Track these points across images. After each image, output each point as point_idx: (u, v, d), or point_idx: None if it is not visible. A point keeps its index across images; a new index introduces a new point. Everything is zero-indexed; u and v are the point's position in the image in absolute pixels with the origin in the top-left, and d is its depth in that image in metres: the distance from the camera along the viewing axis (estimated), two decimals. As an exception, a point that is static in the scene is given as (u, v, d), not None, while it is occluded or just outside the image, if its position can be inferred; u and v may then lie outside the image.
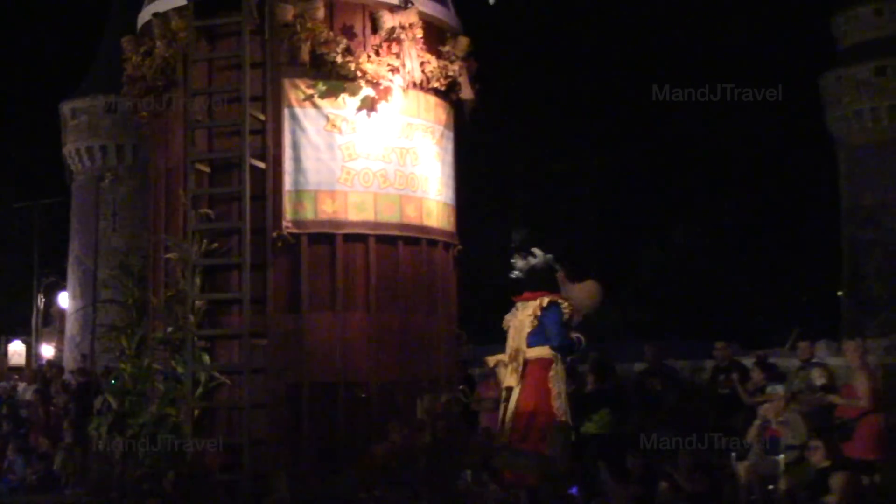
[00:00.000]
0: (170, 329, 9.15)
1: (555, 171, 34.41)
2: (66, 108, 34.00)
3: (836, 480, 7.10)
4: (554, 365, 9.13)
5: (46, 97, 34.76)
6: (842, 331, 26.79)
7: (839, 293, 34.27)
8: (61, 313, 36.11)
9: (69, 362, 28.37)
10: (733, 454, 8.97)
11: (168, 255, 9.31)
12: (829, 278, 34.92)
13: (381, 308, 9.40)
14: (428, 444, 7.40)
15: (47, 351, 35.39)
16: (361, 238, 9.36)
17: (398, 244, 9.56)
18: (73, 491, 12.00)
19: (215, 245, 9.17)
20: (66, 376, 16.24)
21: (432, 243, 9.95)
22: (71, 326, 33.86)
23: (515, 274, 9.93)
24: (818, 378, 9.08)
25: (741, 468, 8.66)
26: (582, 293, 9.38)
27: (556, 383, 9.12)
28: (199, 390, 9.02)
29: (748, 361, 10.76)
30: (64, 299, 35.00)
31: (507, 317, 9.69)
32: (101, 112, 33.19)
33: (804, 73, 33.06)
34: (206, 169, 9.28)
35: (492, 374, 9.56)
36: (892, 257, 31.51)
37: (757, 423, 9.02)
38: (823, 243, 34.55)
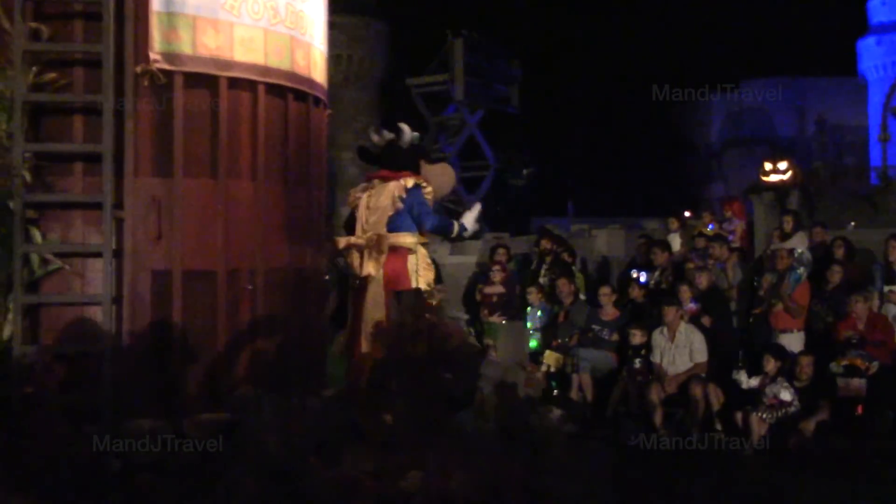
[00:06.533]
0: (-21, 192, 6.40)
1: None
2: None
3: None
4: (414, 255, 7.91)
5: None
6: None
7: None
8: None
9: None
10: None
11: (-20, 85, 6.43)
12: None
13: (269, 177, 7.38)
14: (422, 352, 5.80)
15: None
16: (250, 86, 7.21)
17: (288, 98, 7.54)
18: None
19: (51, 76, 6.53)
20: None
21: (317, 101, 8.06)
22: None
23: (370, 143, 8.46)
24: None
25: None
26: (441, 176, 8.21)
27: (422, 273, 7.91)
28: (27, 278, 6.49)
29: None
30: None
31: (356, 192, 8.19)
32: None
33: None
34: (36, -33, 6.51)
35: None
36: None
37: None
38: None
